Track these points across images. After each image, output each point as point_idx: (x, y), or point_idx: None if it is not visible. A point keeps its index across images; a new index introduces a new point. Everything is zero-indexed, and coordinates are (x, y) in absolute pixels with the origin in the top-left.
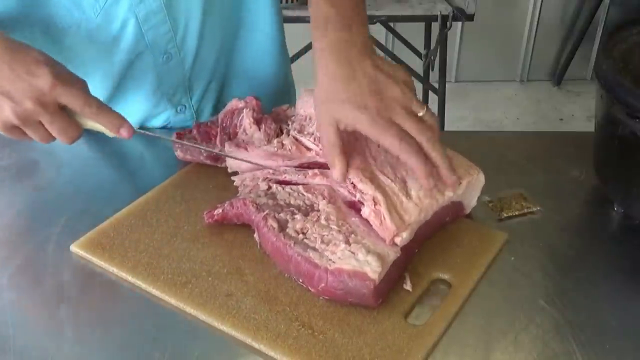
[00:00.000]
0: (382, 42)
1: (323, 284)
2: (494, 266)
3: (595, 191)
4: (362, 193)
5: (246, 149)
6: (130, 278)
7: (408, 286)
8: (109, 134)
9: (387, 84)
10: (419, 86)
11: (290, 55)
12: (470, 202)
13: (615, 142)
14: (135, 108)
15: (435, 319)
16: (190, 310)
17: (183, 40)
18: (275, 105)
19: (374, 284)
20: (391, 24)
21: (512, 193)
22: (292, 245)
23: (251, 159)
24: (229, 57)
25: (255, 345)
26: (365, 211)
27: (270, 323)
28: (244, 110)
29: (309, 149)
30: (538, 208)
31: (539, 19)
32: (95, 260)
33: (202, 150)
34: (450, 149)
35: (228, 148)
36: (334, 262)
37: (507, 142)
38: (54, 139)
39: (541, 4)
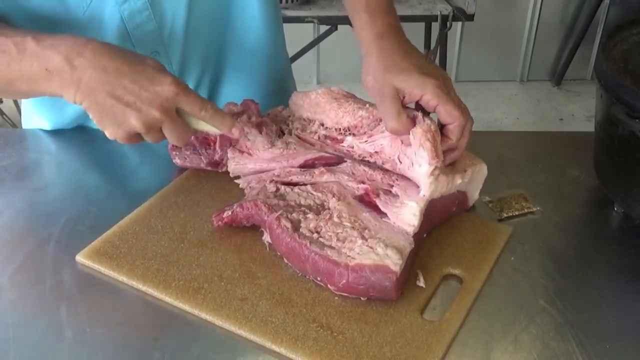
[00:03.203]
0: None
1: (344, 281)
2: (494, 266)
3: (595, 191)
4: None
5: (250, 154)
6: (141, 286)
7: (421, 283)
8: (216, 132)
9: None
10: None
11: (290, 55)
12: (474, 193)
13: (615, 142)
14: None
15: (451, 315)
16: (205, 316)
17: (170, 37)
18: (275, 103)
19: (396, 276)
20: None
21: (512, 193)
22: (308, 244)
23: (259, 163)
24: (220, 52)
25: (276, 348)
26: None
27: (288, 326)
28: (244, 116)
29: (313, 145)
30: (538, 208)
31: (539, 19)
32: (103, 269)
33: (203, 159)
34: None
35: (231, 154)
36: (353, 258)
37: (507, 142)
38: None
39: (541, 4)
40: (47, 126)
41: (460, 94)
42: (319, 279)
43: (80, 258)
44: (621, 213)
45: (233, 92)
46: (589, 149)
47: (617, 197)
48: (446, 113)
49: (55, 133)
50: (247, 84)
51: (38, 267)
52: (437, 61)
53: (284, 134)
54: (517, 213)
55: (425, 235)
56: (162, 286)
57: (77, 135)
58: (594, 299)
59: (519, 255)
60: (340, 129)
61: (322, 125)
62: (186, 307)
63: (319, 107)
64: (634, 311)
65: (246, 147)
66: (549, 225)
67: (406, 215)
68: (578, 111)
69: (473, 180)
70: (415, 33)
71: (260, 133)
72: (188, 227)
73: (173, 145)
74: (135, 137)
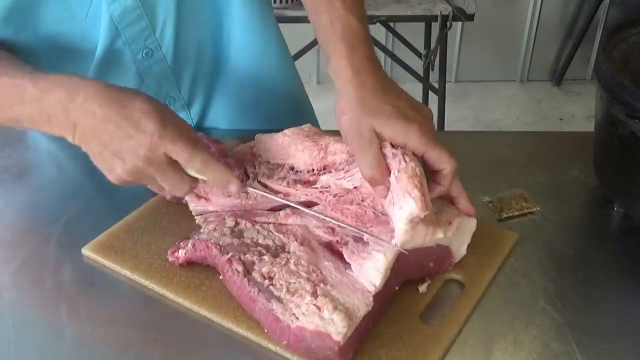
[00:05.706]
0: (382, 42)
1: (285, 341)
2: (497, 273)
3: (595, 191)
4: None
5: (207, 199)
6: (143, 281)
7: (423, 287)
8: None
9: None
10: (419, 86)
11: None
12: (460, 249)
13: (615, 142)
14: None
15: (450, 320)
16: (205, 312)
17: (162, 34)
18: (277, 104)
19: (339, 346)
20: (391, 24)
21: (512, 193)
22: (256, 293)
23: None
24: (214, 48)
25: (272, 347)
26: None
27: None
28: None
29: (277, 192)
30: (538, 208)
31: (539, 19)
32: (107, 263)
33: (166, 193)
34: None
35: (188, 198)
36: (297, 318)
37: (507, 142)
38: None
39: (541, 4)
40: None
41: (460, 94)
42: (265, 330)
43: (85, 251)
44: (621, 213)
45: (231, 90)
46: (589, 149)
47: (617, 197)
48: (435, 159)
49: None
50: (245, 83)
51: (39, 267)
52: (437, 61)
53: (249, 177)
54: (517, 213)
55: (397, 287)
56: (163, 282)
57: None
58: (594, 299)
59: (518, 255)
60: (313, 169)
61: (292, 169)
62: (186, 304)
63: (289, 150)
64: (634, 311)
65: (204, 191)
66: (549, 225)
67: (370, 270)
68: (578, 111)
69: (458, 234)
70: (415, 33)
71: None
72: (193, 224)
73: None
74: (132, 182)
